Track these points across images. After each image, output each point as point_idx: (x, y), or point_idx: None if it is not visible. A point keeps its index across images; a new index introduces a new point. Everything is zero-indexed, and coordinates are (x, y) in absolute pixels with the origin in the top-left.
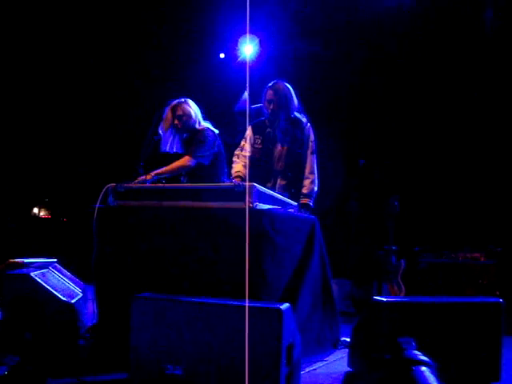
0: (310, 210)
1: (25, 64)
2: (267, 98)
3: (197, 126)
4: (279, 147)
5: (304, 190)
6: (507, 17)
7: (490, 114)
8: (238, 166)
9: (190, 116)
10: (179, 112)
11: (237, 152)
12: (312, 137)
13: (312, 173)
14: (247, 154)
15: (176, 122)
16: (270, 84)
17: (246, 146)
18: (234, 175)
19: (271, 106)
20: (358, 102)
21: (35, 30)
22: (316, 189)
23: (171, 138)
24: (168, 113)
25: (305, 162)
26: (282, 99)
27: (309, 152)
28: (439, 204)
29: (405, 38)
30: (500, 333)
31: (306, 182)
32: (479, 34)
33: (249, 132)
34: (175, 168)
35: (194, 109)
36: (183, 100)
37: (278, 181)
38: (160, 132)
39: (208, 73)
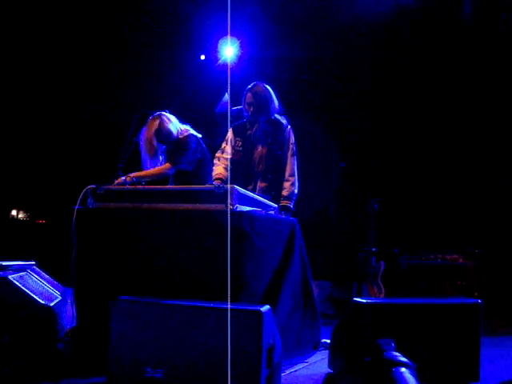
0: (290, 212)
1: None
2: (247, 100)
3: (178, 136)
4: (259, 149)
5: (284, 193)
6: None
7: (472, 118)
8: (219, 169)
9: (170, 133)
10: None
11: (217, 154)
12: (292, 139)
13: (292, 175)
14: (228, 157)
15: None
16: (249, 86)
17: (227, 148)
18: (214, 177)
19: (251, 109)
20: (339, 104)
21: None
22: (296, 191)
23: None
24: (147, 134)
25: (285, 165)
26: (262, 102)
27: (289, 154)
28: (419, 206)
29: (389, 39)
30: (479, 333)
31: (287, 185)
32: (465, 32)
33: (230, 134)
34: (154, 174)
35: (172, 122)
36: (158, 118)
37: (258, 183)
38: (142, 151)
39: (188, 75)
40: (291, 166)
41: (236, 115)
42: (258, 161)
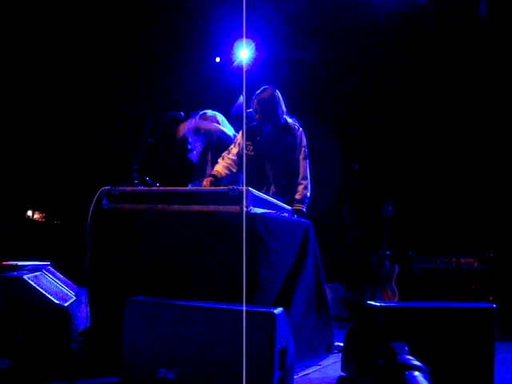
0: (303, 216)
1: (17, 66)
2: (253, 107)
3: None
4: (271, 154)
5: (297, 196)
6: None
7: (486, 121)
8: (218, 166)
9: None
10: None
11: (223, 154)
12: (304, 142)
13: (305, 178)
14: (233, 158)
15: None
16: (257, 92)
17: (234, 150)
18: (210, 173)
19: (257, 116)
20: (353, 105)
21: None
22: (309, 194)
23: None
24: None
25: (297, 168)
26: (267, 109)
27: (301, 157)
28: (433, 209)
29: (403, 42)
30: (493, 338)
31: (300, 188)
32: (474, 35)
33: (239, 137)
34: None
35: (219, 120)
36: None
37: (272, 188)
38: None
39: (204, 77)
40: (304, 169)
41: (251, 117)
42: (270, 166)
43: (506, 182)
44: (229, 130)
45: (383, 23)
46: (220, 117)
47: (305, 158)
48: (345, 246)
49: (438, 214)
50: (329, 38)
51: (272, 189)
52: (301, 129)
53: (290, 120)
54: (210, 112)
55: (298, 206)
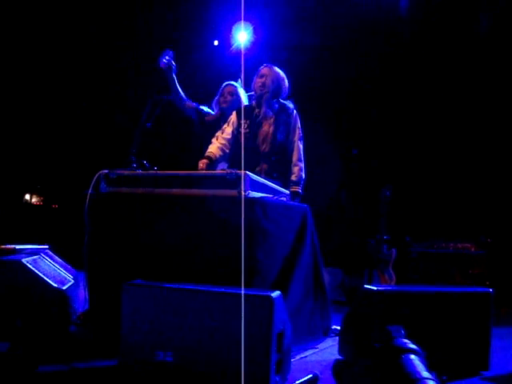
0: (299, 197)
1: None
2: (261, 72)
3: None
4: (265, 127)
5: (293, 178)
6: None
7: (483, 107)
8: (213, 147)
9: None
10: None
11: (217, 134)
12: (299, 123)
13: (300, 160)
14: (227, 137)
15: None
16: (264, 64)
17: (228, 129)
18: (205, 155)
19: (263, 79)
20: (351, 91)
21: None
22: (304, 176)
23: None
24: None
25: (291, 149)
26: (276, 77)
27: (296, 138)
28: (431, 194)
29: (402, 31)
30: (489, 322)
31: (295, 169)
32: (473, 32)
33: (233, 117)
34: None
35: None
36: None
37: (262, 164)
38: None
39: (201, 60)
40: (298, 150)
41: (249, 100)
42: (262, 140)
43: (504, 168)
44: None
45: (385, 10)
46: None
47: (300, 139)
48: (342, 231)
49: (436, 199)
50: (328, 23)
51: (262, 165)
52: (295, 111)
53: (285, 102)
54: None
55: (295, 188)
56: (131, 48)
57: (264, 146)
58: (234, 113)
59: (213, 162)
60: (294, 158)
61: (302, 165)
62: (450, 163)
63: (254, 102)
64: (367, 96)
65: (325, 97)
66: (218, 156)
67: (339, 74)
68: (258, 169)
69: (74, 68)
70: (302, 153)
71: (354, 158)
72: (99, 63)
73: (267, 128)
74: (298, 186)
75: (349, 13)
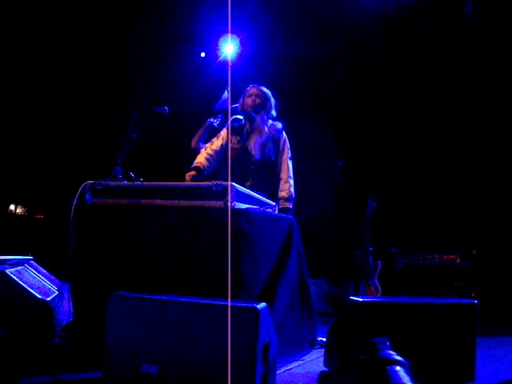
0: (290, 213)
1: None
2: (251, 92)
3: None
4: (254, 140)
5: (284, 194)
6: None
7: (470, 118)
8: (201, 157)
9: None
10: None
11: (207, 145)
12: (287, 144)
13: (291, 177)
14: (215, 149)
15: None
16: (248, 87)
17: (217, 142)
18: (193, 165)
19: (256, 100)
20: (337, 103)
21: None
22: (294, 194)
23: None
24: None
25: (280, 167)
26: (266, 96)
27: (285, 157)
28: (417, 206)
29: (388, 39)
30: (474, 333)
31: (286, 186)
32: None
33: (223, 133)
34: None
35: None
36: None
37: (251, 180)
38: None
39: (189, 72)
40: (288, 168)
41: (235, 113)
42: (252, 153)
43: (490, 179)
44: None
45: (371, 19)
46: None
47: (289, 159)
48: (328, 242)
49: (421, 211)
50: (315, 34)
51: (251, 181)
52: (284, 132)
53: (274, 122)
54: None
55: (286, 204)
56: (118, 59)
57: (253, 160)
58: (225, 130)
59: (201, 172)
60: (285, 176)
61: (292, 182)
62: (436, 175)
63: (243, 121)
64: (354, 107)
65: (310, 108)
66: (205, 167)
67: (325, 86)
68: (247, 184)
69: (59, 79)
70: (291, 171)
71: (339, 169)
72: (86, 74)
73: (257, 141)
74: (289, 202)
75: (334, 26)
